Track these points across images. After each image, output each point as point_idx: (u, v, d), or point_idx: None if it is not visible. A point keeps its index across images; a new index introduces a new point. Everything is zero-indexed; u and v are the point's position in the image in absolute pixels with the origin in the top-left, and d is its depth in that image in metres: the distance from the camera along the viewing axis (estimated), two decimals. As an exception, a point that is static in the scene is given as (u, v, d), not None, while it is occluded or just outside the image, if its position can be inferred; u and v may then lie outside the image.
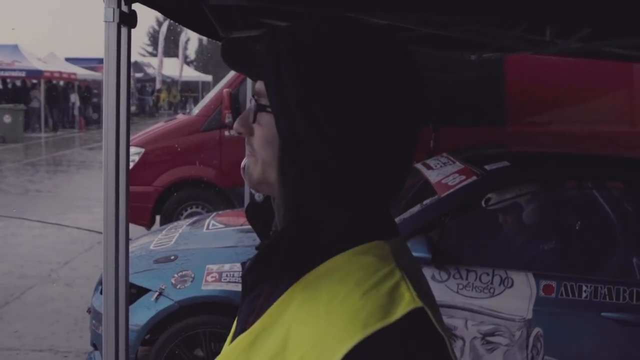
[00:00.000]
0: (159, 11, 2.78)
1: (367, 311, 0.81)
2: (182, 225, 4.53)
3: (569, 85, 7.01)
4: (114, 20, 2.14)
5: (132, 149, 7.34)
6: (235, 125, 0.96)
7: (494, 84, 6.89)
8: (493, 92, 6.91)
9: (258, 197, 1.04)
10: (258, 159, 0.93)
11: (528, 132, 6.73)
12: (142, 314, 3.55)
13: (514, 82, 6.87)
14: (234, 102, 6.96)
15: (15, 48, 23.85)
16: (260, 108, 0.92)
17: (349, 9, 3.00)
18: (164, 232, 4.42)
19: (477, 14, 3.11)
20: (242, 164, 0.99)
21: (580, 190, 4.01)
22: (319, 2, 2.89)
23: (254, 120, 0.93)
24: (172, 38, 37.66)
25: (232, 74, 7.71)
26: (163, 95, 36.13)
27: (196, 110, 7.78)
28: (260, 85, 0.92)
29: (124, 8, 2.21)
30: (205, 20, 3.68)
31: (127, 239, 2.36)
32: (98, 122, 25.10)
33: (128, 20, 2.23)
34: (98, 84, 27.09)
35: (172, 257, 3.84)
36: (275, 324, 0.87)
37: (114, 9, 2.13)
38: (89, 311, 4.00)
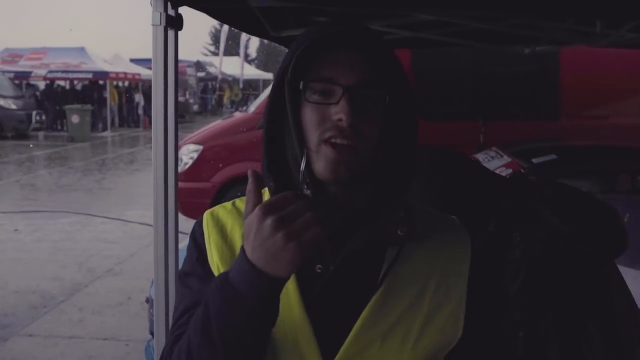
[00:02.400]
0: (207, 13, 2.87)
1: None
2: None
3: (628, 76, 6.84)
4: (160, 24, 2.25)
5: (191, 147, 7.56)
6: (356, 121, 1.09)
7: (548, 77, 6.80)
8: (548, 86, 6.82)
9: (305, 191, 1.10)
10: (367, 145, 1.09)
11: (585, 126, 6.61)
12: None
13: (570, 74, 6.75)
14: (289, 98, 7.07)
15: (82, 50, 24.72)
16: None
17: (397, 6, 3.02)
18: (218, 227, 4.56)
19: (521, 11, 3.10)
20: (331, 159, 1.07)
21: (633, 185, 3.96)
22: (365, 1, 2.90)
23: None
24: (237, 40, 38.15)
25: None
26: (227, 93, 36.63)
27: (252, 107, 7.94)
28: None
29: (171, 12, 2.33)
30: (254, 19, 3.75)
31: (177, 232, 2.47)
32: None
33: (174, 23, 2.35)
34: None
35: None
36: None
37: (160, 13, 2.25)
38: (147, 301, 4.17)
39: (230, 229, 1.22)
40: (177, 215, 2.45)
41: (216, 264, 1.18)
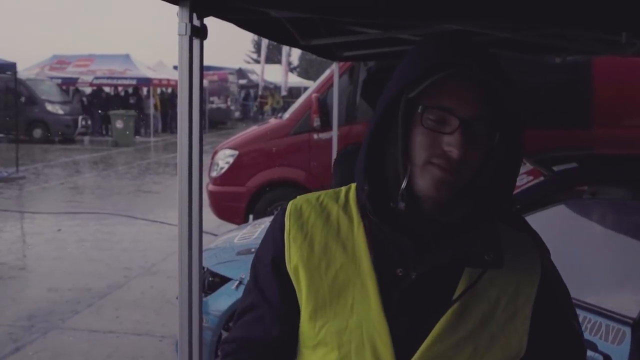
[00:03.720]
0: (233, 23, 3.00)
1: None
2: (265, 222, 4.82)
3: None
4: (186, 34, 2.40)
5: (227, 152, 7.75)
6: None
7: (581, 87, 6.79)
8: (580, 95, 6.82)
9: (401, 206, 1.14)
10: (469, 171, 1.13)
11: (620, 135, 6.59)
12: (223, 300, 3.85)
13: (603, 84, 6.74)
14: (322, 106, 7.21)
15: (127, 57, 25.30)
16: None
17: (423, 18, 3.08)
18: (248, 228, 4.73)
19: (545, 21, 3.15)
20: (436, 180, 1.12)
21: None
22: (396, 12, 2.91)
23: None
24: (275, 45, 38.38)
25: (321, 79, 7.98)
26: (269, 100, 36.82)
27: (287, 114, 8.09)
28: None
29: (196, 22, 2.48)
30: (283, 29, 3.81)
31: (201, 233, 2.59)
32: (205, 128, 26.05)
33: (199, 33, 2.49)
34: (205, 90, 28.09)
35: (253, 250, 4.09)
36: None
37: (186, 24, 2.39)
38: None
39: (312, 226, 1.23)
40: (201, 218, 2.57)
41: (293, 262, 1.21)
